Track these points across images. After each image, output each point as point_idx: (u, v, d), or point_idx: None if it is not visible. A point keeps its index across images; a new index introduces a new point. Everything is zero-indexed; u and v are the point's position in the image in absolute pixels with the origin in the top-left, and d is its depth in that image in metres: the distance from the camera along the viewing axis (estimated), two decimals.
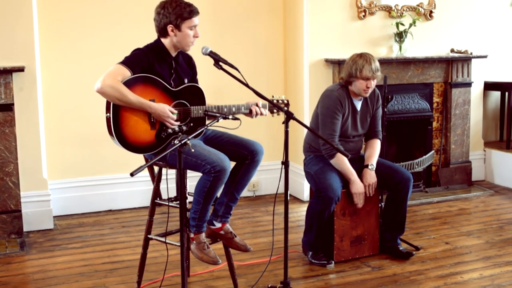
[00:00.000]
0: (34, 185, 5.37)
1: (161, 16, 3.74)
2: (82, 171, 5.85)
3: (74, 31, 5.67)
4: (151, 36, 4.03)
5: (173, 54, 3.82)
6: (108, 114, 3.58)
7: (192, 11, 3.72)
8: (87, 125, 5.76)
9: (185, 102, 3.76)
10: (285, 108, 3.65)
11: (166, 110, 3.63)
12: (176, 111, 3.68)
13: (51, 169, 5.67)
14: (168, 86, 3.72)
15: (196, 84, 3.87)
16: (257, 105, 3.85)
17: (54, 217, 5.59)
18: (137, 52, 3.73)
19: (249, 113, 3.86)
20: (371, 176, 4.57)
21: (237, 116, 3.67)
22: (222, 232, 3.92)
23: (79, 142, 5.80)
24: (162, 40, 3.79)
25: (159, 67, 3.72)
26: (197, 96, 3.82)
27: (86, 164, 5.85)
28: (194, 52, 3.89)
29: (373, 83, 4.51)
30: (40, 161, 5.37)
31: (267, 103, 3.87)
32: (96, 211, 5.91)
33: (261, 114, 3.88)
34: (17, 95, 5.16)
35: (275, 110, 3.92)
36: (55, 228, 5.44)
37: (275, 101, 3.87)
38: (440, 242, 5.04)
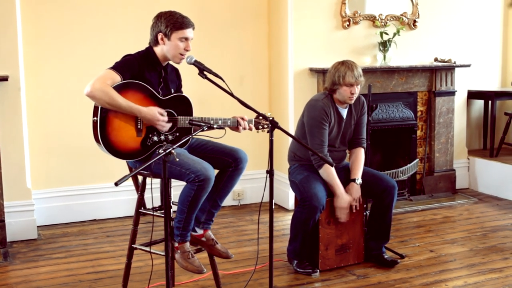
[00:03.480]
0: (17, 195, 5.33)
1: (154, 25, 3.76)
2: (66, 181, 5.83)
3: (59, 40, 5.65)
4: (136, 44, 4.04)
5: (163, 63, 3.83)
6: (95, 118, 3.57)
7: (183, 23, 3.71)
8: (71, 134, 5.74)
9: (173, 112, 3.76)
10: (270, 117, 3.64)
11: (156, 114, 3.63)
12: (165, 113, 3.68)
13: (35, 178, 5.64)
14: (156, 94, 3.72)
15: (184, 95, 3.87)
16: (243, 119, 3.84)
17: (38, 227, 5.56)
18: (128, 58, 3.73)
19: (236, 128, 3.86)
20: (357, 191, 4.58)
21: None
22: (203, 238, 3.92)
23: (63, 151, 5.77)
24: (154, 48, 3.79)
25: (149, 74, 3.73)
26: (185, 107, 3.82)
27: (70, 174, 5.83)
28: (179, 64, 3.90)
29: (357, 89, 4.52)
30: (24, 171, 5.34)
31: (253, 119, 3.88)
32: (80, 220, 5.87)
33: (249, 129, 3.88)
34: (1, 104, 5.14)
35: (260, 126, 3.92)
36: (39, 238, 5.41)
37: (260, 117, 3.86)
38: (425, 250, 5.05)
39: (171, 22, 3.69)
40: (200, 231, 3.91)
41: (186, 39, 3.73)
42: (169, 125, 3.70)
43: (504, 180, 6.73)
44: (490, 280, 4.42)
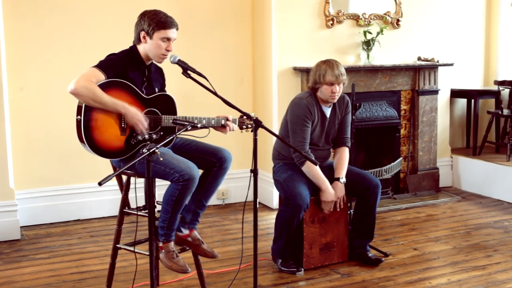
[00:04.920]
0: (0, 195, 5.29)
1: (138, 24, 3.75)
2: (49, 181, 5.79)
3: (42, 39, 5.62)
4: (120, 43, 4.02)
5: (147, 62, 3.82)
6: (78, 117, 3.55)
7: (166, 23, 3.69)
8: (55, 134, 5.71)
9: (157, 111, 3.75)
10: (254, 116, 3.65)
11: (139, 114, 3.62)
12: (147, 120, 3.67)
13: (18, 178, 5.60)
14: (140, 93, 3.71)
15: (169, 94, 3.86)
16: (228, 119, 3.83)
17: (21, 227, 5.52)
18: (112, 57, 3.72)
19: (221, 128, 3.84)
20: (341, 190, 4.59)
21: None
22: (189, 239, 3.91)
23: (47, 151, 5.74)
24: (138, 47, 3.78)
25: (132, 73, 3.72)
26: (169, 106, 3.82)
27: (53, 174, 5.80)
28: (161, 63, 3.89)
29: (338, 88, 4.52)
30: (7, 171, 5.31)
31: (236, 118, 3.87)
32: (64, 220, 5.85)
33: (233, 129, 3.88)
34: None
35: (244, 126, 3.91)
36: (22, 238, 5.38)
37: (244, 117, 3.85)
38: (409, 248, 5.08)
39: (154, 21, 3.68)
40: (186, 231, 3.91)
41: (168, 39, 3.72)
42: (147, 130, 3.68)
43: (487, 178, 6.78)
44: (474, 277, 4.45)
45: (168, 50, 3.73)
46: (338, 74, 4.48)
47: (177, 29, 3.76)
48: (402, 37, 6.66)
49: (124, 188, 3.90)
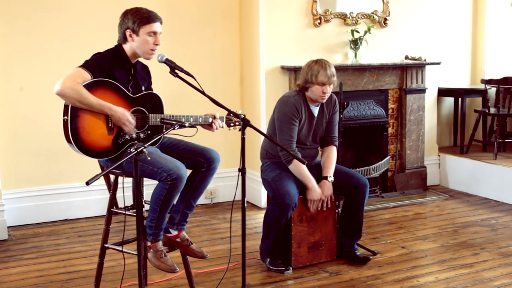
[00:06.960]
0: None
1: (122, 23, 3.74)
2: (37, 181, 5.77)
3: (28, 38, 5.59)
4: (106, 42, 4.01)
5: (133, 61, 3.80)
6: (65, 117, 3.53)
7: (150, 17, 3.69)
8: (42, 134, 5.69)
9: (144, 109, 3.74)
10: (242, 115, 3.64)
11: (126, 114, 3.61)
12: (134, 119, 3.66)
13: (5, 178, 5.57)
14: (127, 92, 3.70)
15: (156, 93, 3.85)
16: (215, 118, 3.83)
17: (8, 227, 5.50)
18: (97, 56, 3.70)
19: (209, 126, 3.84)
20: (329, 188, 4.59)
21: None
22: (178, 239, 3.91)
23: (34, 150, 5.72)
24: (123, 46, 3.77)
25: (118, 72, 3.70)
26: (156, 104, 3.81)
27: (41, 173, 5.77)
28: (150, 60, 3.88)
29: (329, 89, 4.54)
30: None
31: (224, 116, 3.87)
32: (51, 220, 5.82)
33: (222, 127, 3.88)
34: None
35: (232, 124, 3.91)
36: (10, 238, 5.35)
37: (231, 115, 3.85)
38: (397, 247, 5.09)
39: (138, 18, 3.68)
40: (174, 232, 3.90)
41: (155, 33, 3.72)
42: (135, 130, 3.68)
43: (474, 177, 6.81)
44: (461, 275, 4.47)
45: (156, 44, 3.73)
46: (331, 75, 4.49)
47: (161, 22, 3.76)
48: (389, 36, 6.68)
49: (112, 188, 3.88)
